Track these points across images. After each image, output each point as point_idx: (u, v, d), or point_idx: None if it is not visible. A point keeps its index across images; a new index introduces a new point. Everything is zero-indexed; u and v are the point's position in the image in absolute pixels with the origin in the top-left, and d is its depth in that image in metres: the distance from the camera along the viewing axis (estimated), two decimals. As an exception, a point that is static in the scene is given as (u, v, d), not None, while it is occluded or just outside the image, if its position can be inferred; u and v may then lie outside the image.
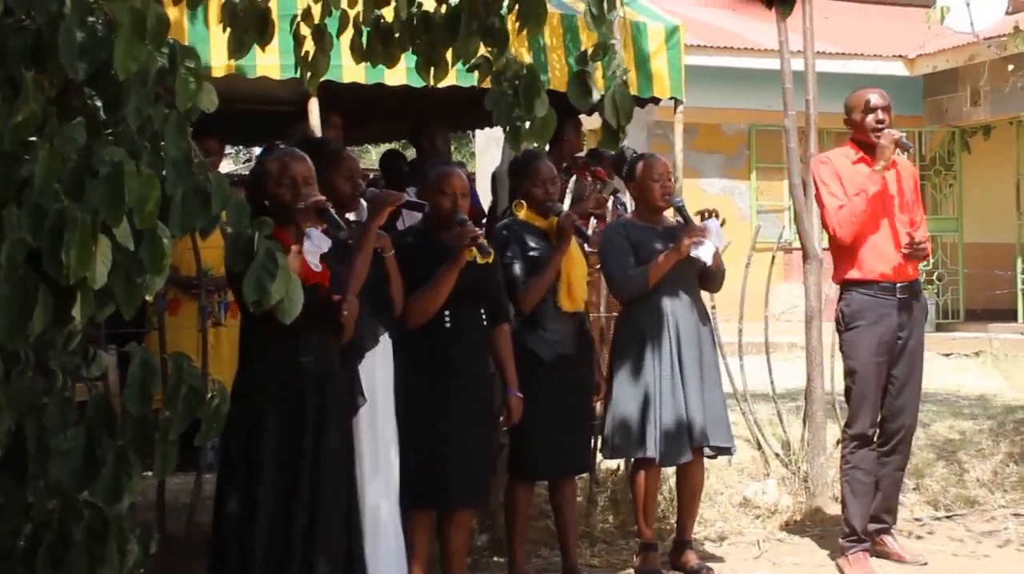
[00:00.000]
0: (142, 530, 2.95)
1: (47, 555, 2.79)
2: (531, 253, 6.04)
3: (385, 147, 12.83)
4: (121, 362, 5.65)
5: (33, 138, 2.75)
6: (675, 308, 6.30)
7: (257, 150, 13.92)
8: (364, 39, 4.66)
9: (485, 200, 9.09)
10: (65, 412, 2.84)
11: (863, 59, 17.43)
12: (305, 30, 4.81)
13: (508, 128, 4.15)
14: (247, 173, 7.09)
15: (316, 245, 4.70)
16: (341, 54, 5.41)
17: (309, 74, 4.95)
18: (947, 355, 14.86)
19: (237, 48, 4.53)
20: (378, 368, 5.40)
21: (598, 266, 6.61)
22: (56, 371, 2.91)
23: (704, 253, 6.24)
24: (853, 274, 6.45)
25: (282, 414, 4.73)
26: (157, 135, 2.84)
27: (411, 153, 11.42)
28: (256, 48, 4.69)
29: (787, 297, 12.02)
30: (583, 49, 4.66)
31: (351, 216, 5.48)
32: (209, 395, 2.94)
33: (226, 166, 20.06)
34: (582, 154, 8.26)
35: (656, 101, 7.84)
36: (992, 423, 9.64)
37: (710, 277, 6.46)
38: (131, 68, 2.72)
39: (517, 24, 4.12)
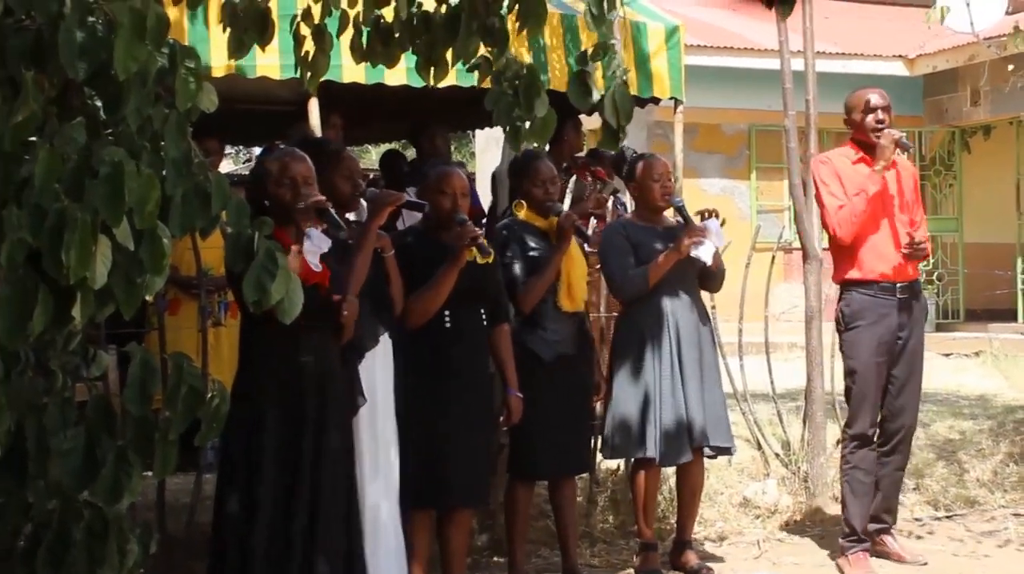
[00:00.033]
0: (142, 530, 2.95)
1: (47, 555, 2.79)
2: (531, 253, 6.04)
3: (385, 147, 12.83)
4: (121, 362, 5.65)
5: (33, 138, 2.75)
6: (675, 308, 6.30)
7: (257, 150, 13.91)
8: (364, 39, 4.66)
9: (485, 200, 9.09)
10: (65, 412, 2.84)
11: (863, 59, 17.43)
12: (305, 30, 4.81)
13: (508, 128, 4.15)
14: (247, 173, 7.09)
15: (316, 245, 4.71)
16: (341, 54, 5.41)
17: (309, 74, 4.95)
18: (947, 355, 14.86)
19: (237, 48, 4.53)
20: (378, 368, 5.40)
21: (598, 266, 6.61)
22: (56, 371, 2.91)
23: (704, 253, 6.24)
24: (853, 274, 6.45)
25: (282, 414, 4.73)
26: (157, 135, 2.84)
27: (411, 153, 11.42)
28: (256, 48, 4.69)
29: (787, 297, 12.02)
30: (583, 49, 4.66)
31: (351, 216, 5.48)
32: (209, 395, 2.94)
33: (226, 166, 20.06)
34: (582, 154, 8.26)
35: (656, 101, 7.84)
36: (992, 423, 9.64)
37: (710, 277, 6.46)
38: (131, 68, 2.72)
39: (517, 24, 4.12)
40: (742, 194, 17.70)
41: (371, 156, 24.76)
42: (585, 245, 6.43)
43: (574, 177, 7.84)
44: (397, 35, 4.52)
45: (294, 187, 4.79)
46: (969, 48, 15.25)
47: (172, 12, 4.31)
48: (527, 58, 6.25)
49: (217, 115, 3.12)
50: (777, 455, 7.93)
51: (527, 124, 4.10)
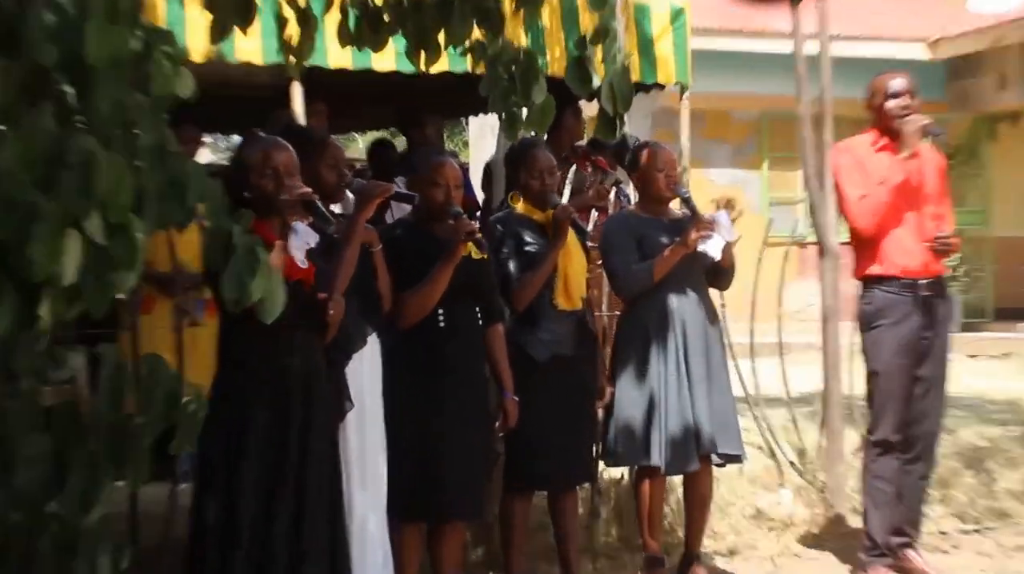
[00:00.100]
0: (113, 544, 2.95)
1: (10, 571, 2.79)
2: (527, 248, 6.04)
3: (373, 136, 12.84)
4: (91, 364, 5.65)
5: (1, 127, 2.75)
6: (682, 306, 6.30)
7: (238, 139, 13.90)
8: (352, 23, 4.66)
9: (478, 193, 9.09)
10: (31, 417, 2.84)
11: (881, 42, 17.44)
12: (289, 12, 4.81)
13: (504, 116, 4.15)
14: (228, 163, 7.09)
15: (303, 240, 4.71)
16: (326, 37, 5.42)
17: (293, 59, 4.95)
18: (973, 357, 14.86)
19: (219, 33, 4.52)
20: (366, 371, 5.42)
21: (599, 262, 6.61)
22: (22, 373, 2.91)
23: (713, 248, 6.23)
24: (874, 269, 6.45)
25: (266, 416, 4.74)
26: (131, 123, 2.84)
27: (401, 142, 11.43)
28: (236, 31, 4.69)
29: (802, 295, 12.02)
30: (583, 33, 4.66)
31: (337, 208, 5.48)
32: (185, 399, 2.94)
33: (205, 156, 20.05)
34: (582, 143, 8.26)
35: (661, 87, 7.85)
36: (1023, 429, 9.64)
37: (719, 273, 6.46)
38: (103, 52, 2.73)
39: (513, 5, 4.12)
40: (753, 185, 17.73)
41: (358, 145, 24.80)
42: (587, 241, 6.44)
43: (574, 167, 7.85)
44: (386, 17, 4.52)
45: (277, 178, 4.79)
46: (995, 30, 15.28)
47: (146, -8, 4.32)
48: (524, 42, 6.25)
49: (195, 102, 3.13)
50: (792, 463, 7.94)
51: (524, 111, 4.10)
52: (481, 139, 19.23)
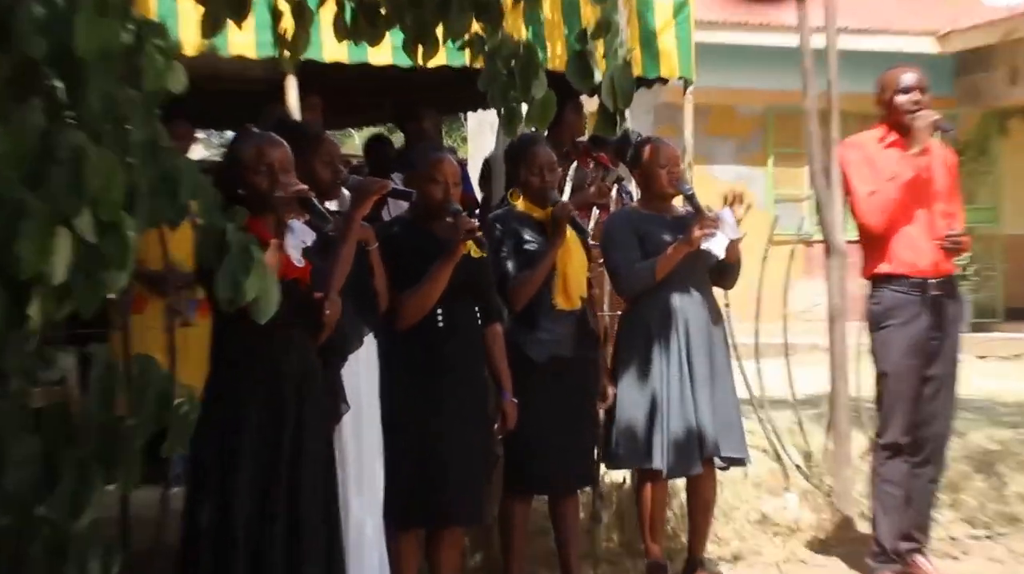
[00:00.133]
0: (104, 548, 2.95)
1: (0, 575, 2.79)
2: (526, 246, 6.04)
3: (369, 131, 12.83)
4: (82, 364, 5.65)
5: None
6: (684, 305, 6.30)
7: (231, 134, 13.90)
8: (348, 16, 4.66)
9: (476, 190, 9.09)
10: (20, 418, 2.84)
11: (889, 35, 17.44)
12: (284, 5, 4.81)
13: (503, 111, 4.16)
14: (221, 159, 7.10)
15: (299, 238, 4.71)
16: (321, 30, 5.42)
17: (288, 52, 4.95)
18: (983, 358, 14.86)
19: (212, 27, 4.52)
20: (362, 373, 5.42)
21: (601, 260, 6.60)
22: (11, 374, 2.91)
23: (716, 246, 6.22)
24: (883, 268, 6.44)
25: (260, 416, 4.74)
26: (122, 118, 2.84)
27: (398, 138, 11.43)
28: (230, 24, 4.69)
29: (808, 294, 12.04)
30: (584, 26, 4.67)
31: (332, 206, 5.48)
32: (177, 401, 2.94)
33: (198, 152, 20.04)
34: (583, 139, 8.26)
35: (664, 81, 7.84)
36: (1034, 432, 9.66)
37: (725, 271, 6.46)
38: (94, 45, 2.73)
39: (513, -2, 4.13)
40: (758, 182, 17.71)
41: (354, 141, 24.78)
42: (587, 239, 6.43)
43: (575, 163, 7.85)
44: (383, 11, 4.51)
45: (271, 175, 4.79)
46: (1006, 23, 15.27)
47: (138, -16, 4.31)
48: (524, 35, 6.25)
49: (187, 96, 3.13)
50: (798, 467, 7.94)
51: (524, 106, 4.11)
52: (480, 135, 19.25)
